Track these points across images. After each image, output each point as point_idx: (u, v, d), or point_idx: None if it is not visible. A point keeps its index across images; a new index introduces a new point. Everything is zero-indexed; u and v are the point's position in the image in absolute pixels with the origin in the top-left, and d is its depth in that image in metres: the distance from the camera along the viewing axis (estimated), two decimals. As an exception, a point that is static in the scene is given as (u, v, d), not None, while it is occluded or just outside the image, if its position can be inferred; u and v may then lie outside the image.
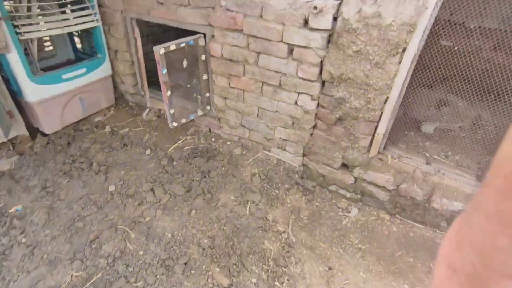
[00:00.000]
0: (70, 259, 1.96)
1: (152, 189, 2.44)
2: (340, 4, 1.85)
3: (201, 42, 2.51)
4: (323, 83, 2.17)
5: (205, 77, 2.67)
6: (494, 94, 2.41)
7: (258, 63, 2.32)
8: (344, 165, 2.41)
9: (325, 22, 1.90)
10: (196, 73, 2.67)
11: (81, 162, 2.73)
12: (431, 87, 2.92)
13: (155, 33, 3.92)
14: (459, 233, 0.31)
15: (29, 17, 2.52)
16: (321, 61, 2.06)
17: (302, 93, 2.25)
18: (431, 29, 1.73)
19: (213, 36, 2.43)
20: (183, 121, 2.79)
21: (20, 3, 2.46)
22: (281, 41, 2.12)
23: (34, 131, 3.03)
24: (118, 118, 3.35)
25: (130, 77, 3.31)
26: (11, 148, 2.89)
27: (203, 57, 2.58)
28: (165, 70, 2.41)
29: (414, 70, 1.91)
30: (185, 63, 2.52)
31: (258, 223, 2.22)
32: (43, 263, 1.92)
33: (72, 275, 1.88)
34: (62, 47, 3.47)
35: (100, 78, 3.19)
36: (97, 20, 2.89)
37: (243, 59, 2.37)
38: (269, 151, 2.75)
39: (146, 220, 2.22)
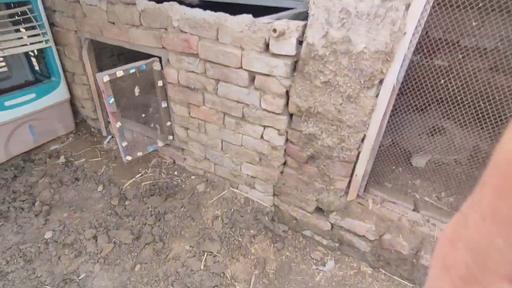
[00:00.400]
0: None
1: (95, 236, 2.08)
2: (305, 26, 1.55)
3: (157, 66, 2.20)
4: (290, 116, 1.85)
5: (164, 105, 2.36)
6: (493, 120, 2.09)
7: (217, 91, 2.00)
8: (320, 209, 2.07)
9: (288, 46, 1.59)
10: (153, 100, 2.36)
11: (23, 201, 2.37)
12: (423, 110, 2.60)
13: (128, 51, 3.64)
14: (455, 232, 0.30)
15: (-39, 37, 2.22)
16: (287, 91, 1.75)
17: (268, 126, 1.93)
18: (421, 46, 1.42)
19: (168, 60, 2.13)
20: (140, 154, 2.46)
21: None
22: (241, 67, 1.81)
23: (-24, 163, 2.69)
24: (77, 146, 3.02)
25: (89, 102, 3.00)
26: None
27: (160, 83, 2.27)
28: (112, 100, 2.09)
29: (399, 93, 1.59)
30: (137, 90, 2.21)
31: (213, 281, 1.85)
32: None
33: None
34: (18, 68, 3.17)
35: (54, 103, 2.87)
36: (46, 40, 2.60)
37: (201, 87, 2.06)
38: (236, 188, 2.41)
39: (80, 278, 1.85)
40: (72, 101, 3.09)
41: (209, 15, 1.81)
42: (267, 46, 1.69)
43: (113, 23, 2.26)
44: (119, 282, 1.84)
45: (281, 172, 2.12)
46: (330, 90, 1.57)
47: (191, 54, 1.98)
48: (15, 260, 1.94)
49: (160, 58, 2.20)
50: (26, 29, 2.57)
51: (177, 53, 2.04)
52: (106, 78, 2.04)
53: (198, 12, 1.85)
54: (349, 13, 1.37)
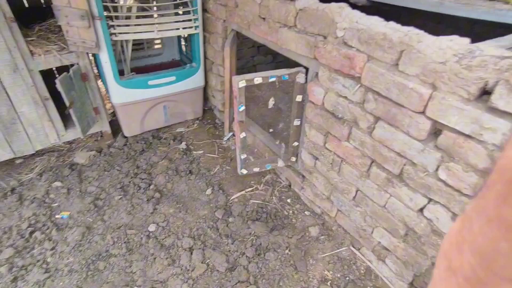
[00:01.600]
0: (71, 313, 1.62)
1: (191, 249, 1.93)
2: None
3: (300, 79, 1.80)
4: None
5: (296, 123, 1.97)
6: None
7: (373, 132, 1.47)
8: None
9: (535, 107, 0.92)
10: (285, 116, 2.00)
11: (142, 179, 2.45)
12: None
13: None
14: (460, 234, 0.30)
15: (127, 18, 2.30)
16: (496, 170, 1.08)
17: (437, 203, 1.31)
18: None
19: (317, 74, 1.69)
20: (256, 169, 2.18)
21: (119, 3, 2.27)
22: (423, 113, 1.22)
23: (119, 129, 2.94)
24: (199, 135, 2.99)
25: (220, 94, 2.88)
26: (98, 138, 2.87)
27: (298, 98, 1.87)
28: (242, 107, 1.82)
29: None
30: (271, 102, 1.87)
31: None
32: (46, 306, 1.64)
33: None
34: (170, 47, 3.32)
35: (190, 89, 2.87)
36: (196, 26, 2.52)
37: (352, 119, 1.56)
38: (358, 250, 1.88)
39: (167, 294, 1.72)
40: (204, 88, 3.05)
41: (393, 29, 1.26)
42: (484, 92, 1.05)
43: (264, 19, 1.95)
44: (201, 318, 1.63)
45: (433, 263, 1.47)
46: None
47: (350, 75, 1.48)
48: (119, 244, 1.96)
49: (307, 69, 1.78)
50: (183, 13, 2.54)
51: (332, 70, 1.58)
52: (242, 84, 1.77)
53: (376, 23, 1.32)
54: None
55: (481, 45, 1.08)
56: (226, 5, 2.27)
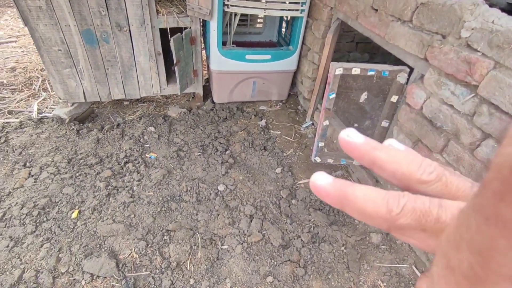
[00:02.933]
0: (142, 235, 1.87)
1: (251, 217, 2.04)
2: None
3: (401, 78, 1.70)
4: None
5: (384, 124, 1.88)
6: None
7: (476, 150, 1.33)
8: None
9: None
10: (373, 114, 1.92)
11: (220, 143, 2.65)
12: None
13: (371, 44, 3.27)
14: (457, 232, 0.26)
15: (242, -9, 2.44)
16: None
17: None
18: None
19: (422, 76, 1.58)
20: (331, 161, 2.16)
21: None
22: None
23: (209, 94, 3.20)
24: (279, 117, 3.07)
25: (310, 81, 2.88)
26: (190, 99, 3.17)
27: (394, 99, 1.78)
28: (333, 95, 1.80)
29: None
30: (363, 96, 1.82)
31: None
32: (125, 223, 1.92)
33: (132, 252, 1.80)
34: (270, 28, 3.42)
35: (281, 71, 2.94)
36: (302, 10, 2.54)
37: (453, 131, 1.43)
38: (421, 271, 1.75)
39: (222, 247, 1.87)
40: (294, 73, 3.09)
41: (537, 37, 1.10)
42: None
43: (376, 10, 1.87)
44: (247, 279, 1.73)
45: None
46: None
47: (464, 82, 1.35)
48: (191, 194, 2.18)
49: (411, 70, 1.67)
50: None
51: (442, 73, 1.45)
52: (339, 71, 1.75)
53: (516, 28, 1.17)
54: None
55: None
56: (340, -8, 2.23)
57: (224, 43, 2.72)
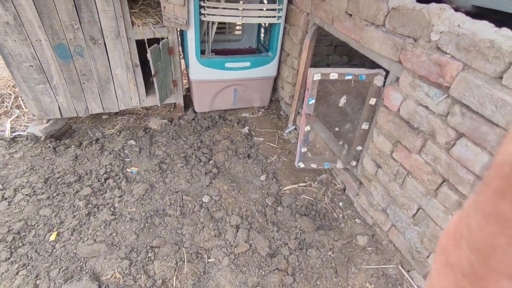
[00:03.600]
0: (125, 254, 1.81)
1: (237, 227, 2.01)
2: None
3: (378, 81, 1.73)
4: None
5: (364, 126, 1.90)
6: None
7: (451, 149, 1.35)
8: None
9: None
10: (353, 117, 1.94)
11: (204, 153, 2.61)
12: None
13: (348, 47, 3.32)
14: (457, 230, 0.30)
15: (217, 1, 2.43)
16: None
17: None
18: None
19: (397, 79, 1.61)
20: (314, 166, 2.16)
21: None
22: (519, 136, 1.09)
23: (190, 104, 3.16)
24: (262, 123, 3.07)
25: (290, 86, 2.90)
26: (171, 109, 3.12)
27: (372, 101, 1.80)
28: (313, 101, 1.81)
29: None
30: (343, 100, 1.83)
31: None
32: (107, 242, 1.85)
33: (115, 273, 1.73)
34: (249, 34, 3.43)
35: (261, 77, 2.94)
36: (279, 17, 2.56)
37: (429, 132, 1.46)
38: (408, 271, 1.76)
39: (209, 260, 1.83)
40: (275, 79, 3.10)
41: (505, 37, 1.13)
42: None
43: (350, 15, 1.89)
44: (235, 292, 1.70)
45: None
46: None
47: (436, 84, 1.38)
48: (175, 207, 2.13)
49: (387, 73, 1.70)
50: (268, 2, 2.59)
51: (416, 75, 1.48)
52: (317, 77, 1.76)
53: (484, 28, 1.20)
54: None
55: None
56: (314, -2, 2.26)
57: (202, 52, 2.70)
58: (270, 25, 2.80)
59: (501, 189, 0.25)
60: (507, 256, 0.25)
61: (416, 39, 1.48)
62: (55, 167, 2.32)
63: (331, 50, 3.39)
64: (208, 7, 2.37)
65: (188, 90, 3.31)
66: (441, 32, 1.34)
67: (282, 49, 2.89)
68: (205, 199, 2.21)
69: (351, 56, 3.48)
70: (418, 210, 1.60)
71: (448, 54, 1.32)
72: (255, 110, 3.22)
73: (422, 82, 1.45)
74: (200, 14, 2.39)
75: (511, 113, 1.09)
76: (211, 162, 2.53)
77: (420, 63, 1.44)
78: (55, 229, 1.89)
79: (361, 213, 2.12)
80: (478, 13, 1.62)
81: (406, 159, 1.62)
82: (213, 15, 2.42)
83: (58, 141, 2.59)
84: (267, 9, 2.55)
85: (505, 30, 1.14)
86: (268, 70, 2.90)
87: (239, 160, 2.58)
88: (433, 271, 0.36)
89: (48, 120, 2.59)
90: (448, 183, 1.40)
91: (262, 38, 3.31)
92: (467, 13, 1.34)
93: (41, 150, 2.46)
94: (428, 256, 1.59)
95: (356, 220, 2.09)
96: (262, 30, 3.27)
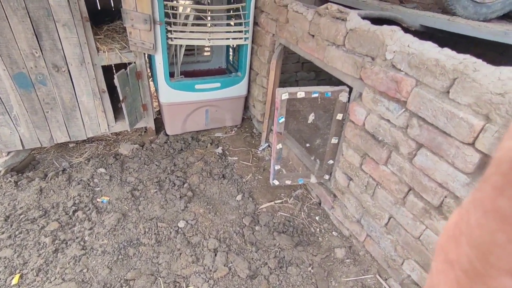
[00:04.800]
0: (99, 292, 1.72)
1: (215, 251, 1.97)
2: None
3: (343, 97, 1.81)
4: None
5: (334, 141, 1.96)
6: None
7: (414, 159, 1.43)
8: None
9: None
10: (323, 132, 2.00)
11: (177, 177, 2.56)
12: None
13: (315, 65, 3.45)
14: (457, 227, 0.30)
15: (183, 24, 2.47)
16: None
17: (478, 241, 1.23)
18: None
19: (360, 95, 1.69)
20: (288, 182, 2.19)
21: (178, 11, 2.44)
22: (471, 144, 1.18)
23: (162, 127, 3.12)
24: (235, 142, 3.08)
25: (261, 105, 2.95)
26: (142, 133, 3.06)
27: (339, 117, 1.87)
28: (282, 119, 1.85)
29: None
30: (311, 117, 1.89)
31: None
32: (77, 279, 1.75)
33: (89, 314, 1.63)
34: (218, 55, 3.48)
35: (232, 97, 2.97)
36: (246, 38, 2.63)
37: (392, 143, 1.53)
38: (385, 280, 1.80)
39: (187, 290, 1.77)
40: (246, 98, 3.14)
41: (447, 56, 1.24)
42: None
43: (313, 36, 1.99)
44: (217, 320, 1.65)
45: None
46: None
47: (395, 99, 1.47)
48: (150, 235, 2.06)
49: (350, 89, 1.78)
50: (235, 24, 2.66)
51: (376, 91, 1.57)
52: (285, 96, 1.81)
53: (429, 48, 1.31)
54: None
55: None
56: (277, 20, 2.35)
57: (172, 75, 2.70)
58: (238, 45, 2.87)
59: (500, 185, 0.25)
60: (507, 252, 0.25)
61: (374, 57, 1.57)
62: (17, 203, 2.18)
63: (299, 67, 3.51)
64: (175, 31, 2.39)
65: (159, 113, 3.28)
66: (394, 52, 1.44)
67: (251, 68, 2.96)
68: (181, 224, 2.16)
69: (318, 72, 3.62)
70: (389, 219, 1.66)
71: (402, 71, 1.41)
72: (228, 130, 3.23)
73: (382, 97, 1.54)
74: (167, 38, 2.41)
75: (461, 124, 1.18)
76: (185, 185, 2.49)
77: (379, 79, 1.53)
78: (17, 271, 1.76)
79: (337, 225, 2.15)
80: (426, 32, 1.76)
81: (374, 170, 1.68)
82: (180, 38, 2.44)
83: (20, 174, 2.45)
84: (233, 31, 2.62)
85: (446, 50, 1.25)
86: (239, 89, 2.95)
87: (214, 181, 2.55)
88: (433, 268, 0.37)
89: (9, 153, 2.45)
90: (414, 192, 1.47)
91: (231, 59, 3.37)
92: (417, 32, 1.45)
93: (1, 185, 2.31)
94: (402, 263, 1.63)
95: (333, 233, 2.12)
96: (231, 51, 3.33)
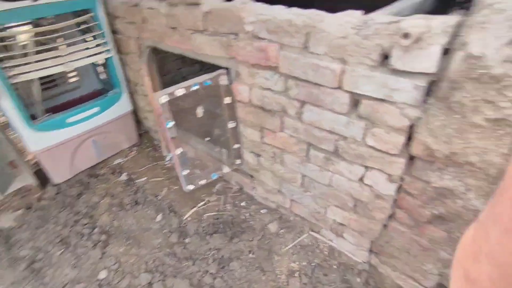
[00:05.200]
0: None
1: (150, 284, 1.78)
2: (458, 27, 0.94)
3: (224, 81, 1.78)
4: (411, 158, 1.26)
5: (231, 125, 1.94)
6: None
7: (302, 117, 1.50)
8: (442, 286, 1.45)
9: (426, 60, 1.01)
10: (219, 120, 1.96)
11: (84, 225, 2.21)
12: None
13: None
14: (475, 243, 0.29)
15: (25, 55, 2.08)
16: (411, 126, 1.16)
17: (373, 168, 1.37)
18: None
19: (238, 73, 1.69)
20: (203, 182, 2.10)
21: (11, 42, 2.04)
22: (339, 88, 1.28)
23: (47, 179, 2.64)
24: (139, 161, 2.82)
25: (151, 114, 2.75)
26: (24, 194, 2.52)
27: (227, 100, 1.85)
28: (171, 124, 1.74)
29: None
30: (200, 111, 1.83)
31: None
32: None
33: None
34: (88, 77, 3.08)
35: (117, 116, 2.69)
36: (107, 50, 2.37)
37: (281, 109, 1.58)
38: (318, 232, 1.90)
39: None
40: (135, 112, 2.90)
41: (295, 14, 1.30)
42: (385, 57, 1.12)
43: (174, 28, 1.90)
44: None
45: (384, 226, 1.54)
46: (504, 133, 0.95)
47: (268, 67, 1.50)
48: (69, 303, 1.73)
49: (228, 70, 1.77)
50: (90, 39, 2.37)
51: (250, 65, 1.58)
52: (164, 99, 1.69)
53: (279, 11, 1.36)
54: None
55: (373, 15, 1.15)
56: (134, 22, 2.18)
57: (34, 117, 2.28)
58: (106, 60, 2.58)
59: None
60: None
61: (237, 33, 1.57)
62: None
63: (180, 63, 3.36)
64: (15, 66, 2.00)
65: (38, 163, 2.77)
66: (251, 22, 1.45)
67: (128, 80, 2.71)
68: (102, 275, 1.88)
69: (202, 63, 3.54)
70: (303, 178, 1.73)
71: (265, 39, 1.44)
72: (127, 152, 2.94)
73: (257, 69, 1.56)
74: (7, 78, 1.99)
75: (325, 72, 1.26)
76: (96, 230, 2.17)
77: (248, 53, 1.54)
78: None
79: (264, 202, 2.18)
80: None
81: (275, 140, 1.72)
82: (25, 73, 2.05)
83: None
84: (90, 48, 2.33)
85: (295, 9, 1.32)
86: (121, 107, 2.68)
87: (127, 212, 2.29)
88: (453, 285, 0.35)
89: None
90: (312, 146, 1.56)
91: (103, 77, 3.04)
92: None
93: None
94: (325, 212, 1.74)
95: (262, 211, 2.13)
96: (99, 69, 2.99)
